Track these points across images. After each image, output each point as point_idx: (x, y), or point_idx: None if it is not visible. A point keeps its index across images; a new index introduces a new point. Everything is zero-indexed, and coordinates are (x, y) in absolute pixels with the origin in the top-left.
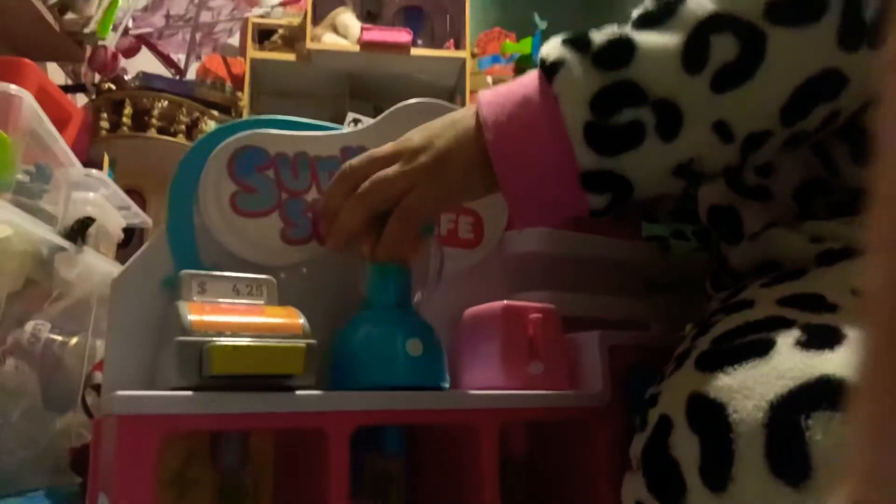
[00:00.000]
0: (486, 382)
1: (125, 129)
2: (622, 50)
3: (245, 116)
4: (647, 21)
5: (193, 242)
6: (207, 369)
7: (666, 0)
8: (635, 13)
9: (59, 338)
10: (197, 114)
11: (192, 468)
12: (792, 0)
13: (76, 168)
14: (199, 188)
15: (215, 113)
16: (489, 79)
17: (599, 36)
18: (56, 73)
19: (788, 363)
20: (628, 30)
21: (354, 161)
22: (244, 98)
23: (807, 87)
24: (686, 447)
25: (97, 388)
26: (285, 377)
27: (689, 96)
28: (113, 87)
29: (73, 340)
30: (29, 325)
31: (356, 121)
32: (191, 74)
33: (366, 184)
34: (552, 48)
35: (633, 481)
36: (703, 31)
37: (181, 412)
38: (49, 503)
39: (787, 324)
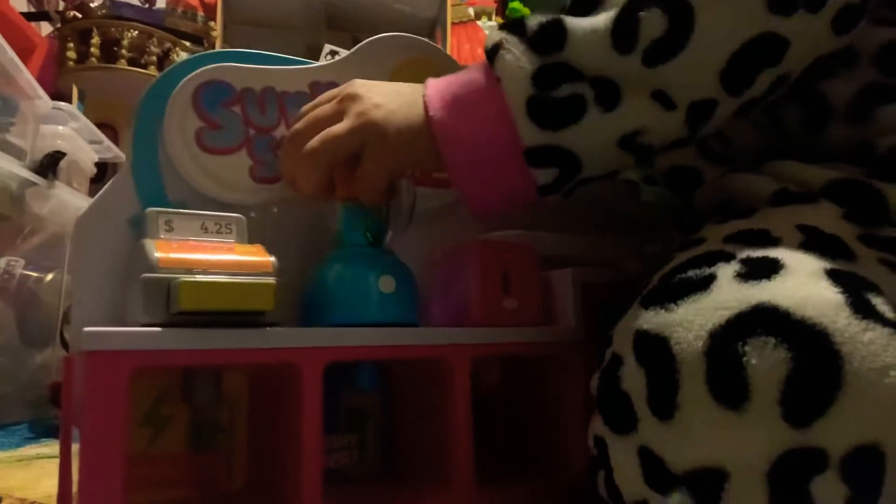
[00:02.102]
0: (460, 319)
1: (94, 59)
2: (554, 34)
3: (218, 47)
4: (579, 5)
5: (160, 180)
6: (175, 306)
7: None
8: (568, 1)
9: (35, 274)
10: (168, 44)
11: (164, 406)
12: None
13: (43, 100)
14: (164, 124)
15: (187, 44)
16: (471, 10)
17: (534, 20)
18: (17, 0)
19: (727, 294)
20: (561, 15)
21: (299, 125)
22: (217, 28)
23: (742, 53)
24: (634, 380)
25: None
26: (255, 314)
27: (624, 73)
28: (78, 15)
29: (49, 276)
30: (2, 262)
31: (333, 52)
32: (160, 3)
33: (315, 142)
34: (492, 34)
35: (595, 419)
36: (630, 11)
37: (150, 348)
38: (31, 436)
39: (728, 257)
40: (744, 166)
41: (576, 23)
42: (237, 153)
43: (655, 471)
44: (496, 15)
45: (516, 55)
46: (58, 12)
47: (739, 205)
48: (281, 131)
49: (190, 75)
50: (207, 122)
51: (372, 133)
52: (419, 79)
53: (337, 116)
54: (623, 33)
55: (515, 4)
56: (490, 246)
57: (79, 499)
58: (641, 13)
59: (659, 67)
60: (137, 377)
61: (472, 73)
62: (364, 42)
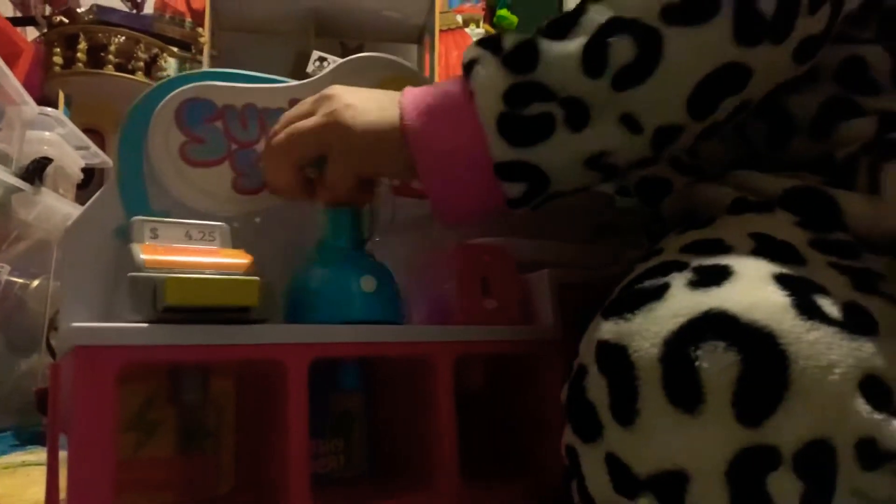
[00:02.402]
0: (442, 320)
1: (80, 65)
2: (528, 55)
3: (206, 53)
4: (553, 29)
5: (144, 192)
6: (162, 301)
7: (570, 10)
8: (544, 23)
9: (20, 280)
10: (156, 50)
11: (152, 411)
12: (684, 2)
13: (30, 106)
14: (148, 140)
15: (175, 49)
16: (459, 18)
17: (509, 39)
18: (3, 5)
19: (680, 302)
20: (536, 36)
21: (276, 126)
22: (205, 34)
23: (708, 82)
24: (598, 389)
25: None
26: (241, 310)
27: (593, 95)
28: (65, 20)
29: (35, 283)
30: None
31: (322, 59)
32: (148, 8)
33: (281, 136)
34: (470, 49)
35: (566, 429)
36: (601, 36)
37: (138, 343)
38: (16, 443)
39: (681, 266)
40: (711, 176)
41: (548, 45)
42: (220, 165)
43: (622, 477)
44: (484, 22)
45: (490, 72)
46: (44, 17)
47: (701, 214)
48: (262, 146)
49: (171, 94)
50: (191, 136)
51: (337, 131)
52: None
53: (309, 115)
54: (593, 57)
55: (503, 12)
56: (470, 249)
57: (68, 498)
58: (611, 39)
59: (627, 91)
60: (125, 380)
61: (448, 86)
62: (344, 60)
